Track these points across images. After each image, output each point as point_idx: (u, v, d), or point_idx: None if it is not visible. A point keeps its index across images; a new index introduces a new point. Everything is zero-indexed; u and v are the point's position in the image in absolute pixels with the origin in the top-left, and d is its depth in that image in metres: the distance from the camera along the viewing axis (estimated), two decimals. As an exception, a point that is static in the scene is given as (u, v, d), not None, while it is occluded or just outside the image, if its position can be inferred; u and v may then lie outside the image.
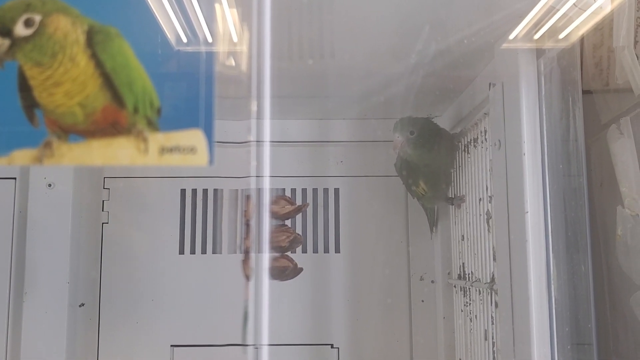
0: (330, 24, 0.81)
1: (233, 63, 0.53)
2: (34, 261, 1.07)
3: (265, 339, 0.53)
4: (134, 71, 0.40)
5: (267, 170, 0.48)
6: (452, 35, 0.83)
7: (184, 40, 0.42)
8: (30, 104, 0.41)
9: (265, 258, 0.59)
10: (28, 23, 0.40)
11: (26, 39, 0.40)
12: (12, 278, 1.07)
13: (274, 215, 0.77)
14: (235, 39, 0.47)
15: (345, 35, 0.84)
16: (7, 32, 0.40)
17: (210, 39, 0.42)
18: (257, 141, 0.46)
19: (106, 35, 0.41)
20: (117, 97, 0.40)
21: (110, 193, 1.18)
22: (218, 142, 0.41)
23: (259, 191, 0.50)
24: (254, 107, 0.43)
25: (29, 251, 1.07)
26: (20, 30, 0.40)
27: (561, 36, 0.66)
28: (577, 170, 0.69)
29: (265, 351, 0.56)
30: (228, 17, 0.53)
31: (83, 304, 1.12)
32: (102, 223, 1.17)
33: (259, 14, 0.45)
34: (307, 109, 1.18)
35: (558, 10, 0.62)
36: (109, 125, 0.40)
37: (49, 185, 1.09)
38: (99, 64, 0.40)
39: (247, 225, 0.66)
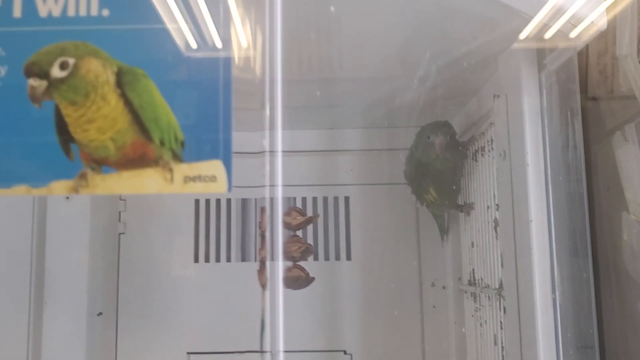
0: (339, 35, 0.83)
1: (247, 76, 0.56)
2: (53, 271, 1.10)
3: (280, 345, 0.55)
4: (160, 108, 0.44)
5: (279, 180, 0.50)
6: (457, 47, 0.86)
7: (205, 76, 0.45)
8: (66, 139, 0.45)
9: (279, 268, 0.62)
10: (63, 66, 0.44)
11: (61, 80, 0.44)
12: (32, 288, 1.10)
13: (287, 226, 0.80)
14: (251, 64, 0.50)
15: (353, 46, 0.86)
16: (44, 74, 0.44)
17: (227, 73, 0.45)
18: (270, 151, 0.49)
19: (133, 75, 0.45)
20: (144, 132, 0.45)
21: (126, 204, 1.20)
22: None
23: (272, 201, 0.52)
24: (266, 117, 0.46)
25: (49, 262, 1.10)
26: (56, 72, 0.44)
27: (559, 51, 0.68)
28: (577, 179, 0.71)
29: (280, 358, 0.58)
30: (243, 41, 0.56)
31: (101, 313, 1.14)
32: (119, 233, 1.20)
33: (270, 36, 0.48)
34: (316, 118, 1.20)
35: (551, 27, 0.64)
36: (138, 157, 0.44)
37: (67, 197, 1.11)
38: (127, 102, 0.44)
39: (262, 236, 0.69)
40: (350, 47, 0.85)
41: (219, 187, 0.43)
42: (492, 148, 0.92)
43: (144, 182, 0.43)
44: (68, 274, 1.10)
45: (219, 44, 0.47)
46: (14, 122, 0.44)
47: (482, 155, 0.98)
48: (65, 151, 0.45)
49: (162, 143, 0.44)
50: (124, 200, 1.20)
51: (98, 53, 0.45)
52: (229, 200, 1.20)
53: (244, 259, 1.19)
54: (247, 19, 0.56)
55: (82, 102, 0.44)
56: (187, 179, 0.43)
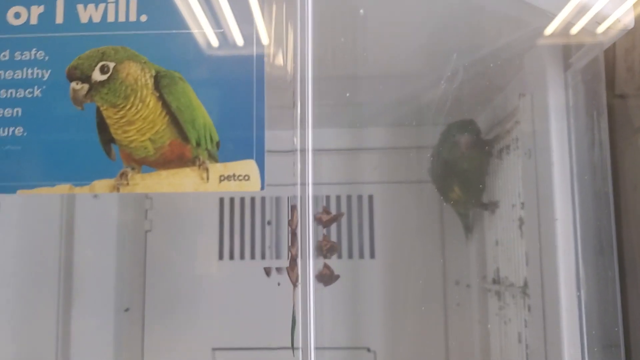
0: (366, 32, 0.84)
1: (279, 75, 0.57)
2: (82, 268, 1.13)
3: (312, 342, 0.56)
4: (196, 110, 0.46)
5: (310, 178, 0.51)
6: (483, 44, 0.86)
7: (240, 79, 0.47)
8: (107, 139, 0.48)
9: (311, 265, 0.63)
10: (103, 69, 0.46)
11: (102, 83, 0.46)
12: (61, 284, 1.12)
13: (317, 223, 0.81)
14: (281, 64, 0.52)
15: (380, 43, 0.86)
16: (86, 78, 0.47)
17: (260, 76, 0.46)
18: (300, 149, 0.50)
19: (171, 79, 0.47)
20: (182, 133, 0.47)
21: (152, 202, 1.22)
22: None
23: (302, 199, 0.53)
24: (297, 116, 0.47)
25: (77, 258, 1.12)
26: (97, 75, 0.46)
27: (585, 49, 0.68)
28: (603, 177, 0.71)
29: (307, 354, 0.59)
30: (274, 40, 0.57)
31: (128, 309, 1.16)
32: (146, 231, 1.21)
33: (302, 35, 0.49)
34: (341, 116, 1.20)
35: (575, 24, 0.64)
36: (175, 157, 0.46)
37: (95, 195, 1.14)
38: (165, 105, 0.46)
39: (293, 234, 0.70)
40: (377, 44, 0.86)
41: (253, 186, 0.44)
42: (518, 146, 0.92)
43: (182, 181, 0.45)
44: (96, 270, 1.12)
45: (251, 45, 0.49)
46: (57, 124, 0.46)
47: (507, 153, 0.98)
48: (107, 151, 0.47)
49: (198, 144, 0.46)
50: (150, 198, 1.22)
51: (137, 57, 0.47)
52: (252, 199, 1.21)
53: (268, 257, 1.20)
54: (278, 19, 0.57)
55: (122, 105, 0.46)
56: (222, 178, 0.45)
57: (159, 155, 0.46)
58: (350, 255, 1.20)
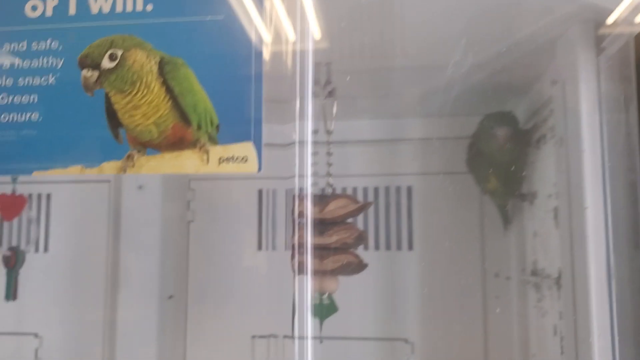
0: (400, 22, 0.83)
1: (282, 68, 0.59)
2: (128, 257, 1.17)
3: (309, 331, 0.57)
4: (197, 94, 0.48)
5: (309, 170, 0.52)
6: (517, 30, 0.85)
7: (238, 64, 0.48)
8: (115, 124, 0.51)
9: (309, 253, 0.64)
10: (112, 57, 0.49)
11: (110, 70, 0.50)
12: (108, 272, 1.17)
13: (332, 216, 0.81)
14: (282, 50, 0.53)
15: (414, 33, 0.86)
16: (96, 66, 0.50)
17: (259, 62, 0.48)
18: (299, 142, 0.51)
19: (174, 65, 0.49)
20: (184, 117, 0.49)
21: (195, 194, 1.25)
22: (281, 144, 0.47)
23: (301, 190, 0.54)
24: (296, 108, 0.48)
25: (123, 248, 1.17)
26: (106, 63, 0.49)
27: (616, 35, 0.67)
28: (634, 166, 0.69)
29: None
30: (274, 30, 0.58)
31: (172, 296, 1.19)
32: (188, 221, 1.25)
33: (301, 25, 0.50)
34: (378, 107, 1.20)
35: (613, 11, 0.63)
36: (178, 140, 0.48)
37: (140, 187, 1.18)
38: (168, 90, 0.49)
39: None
40: (411, 34, 0.86)
41: (250, 167, 0.46)
42: (554, 135, 0.90)
43: (184, 162, 0.47)
44: (141, 259, 1.16)
45: (251, 33, 0.50)
46: (69, 109, 0.50)
47: (544, 143, 0.96)
48: (115, 135, 0.50)
49: (199, 127, 0.48)
50: (193, 190, 1.25)
51: (143, 45, 0.50)
52: (288, 191, 1.23)
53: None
54: (279, 7, 0.58)
55: (129, 90, 0.49)
56: (222, 160, 0.47)
57: (163, 138, 0.48)
58: (387, 247, 1.20)
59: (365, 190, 1.23)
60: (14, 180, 0.97)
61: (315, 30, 0.49)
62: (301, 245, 0.60)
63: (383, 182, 1.22)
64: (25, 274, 1.03)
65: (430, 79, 1.06)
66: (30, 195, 1.21)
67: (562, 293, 0.85)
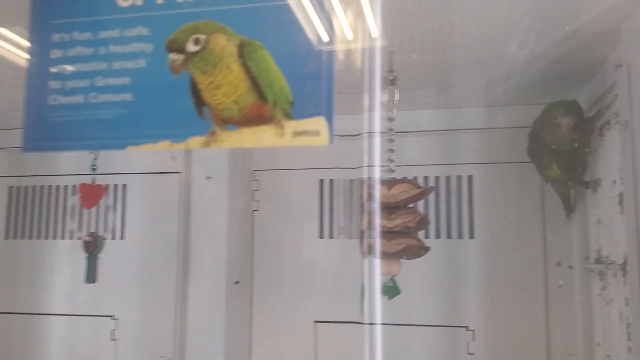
0: (460, 13, 0.84)
1: (352, 61, 0.62)
2: (197, 244, 1.22)
3: (378, 315, 0.60)
4: (273, 74, 0.53)
5: (377, 160, 0.54)
6: (581, 16, 0.84)
7: (311, 44, 0.52)
8: (199, 102, 0.56)
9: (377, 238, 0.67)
10: (196, 41, 0.54)
11: (195, 53, 0.55)
12: (179, 259, 1.23)
13: (395, 200, 0.83)
14: (350, 37, 0.57)
15: (474, 23, 0.87)
16: (182, 49, 0.55)
17: (329, 42, 0.51)
18: (368, 133, 0.54)
19: (252, 47, 0.54)
20: (261, 95, 0.53)
21: (259, 184, 1.30)
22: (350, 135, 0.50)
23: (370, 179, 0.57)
24: (365, 100, 0.51)
25: (193, 236, 1.23)
26: (190, 47, 0.54)
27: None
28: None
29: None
30: (342, 18, 0.61)
31: (238, 282, 1.24)
32: (253, 211, 1.29)
33: (373, 14, 0.53)
34: (438, 98, 1.21)
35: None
36: (256, 116, 0.53)
37: (208, 177, 1.23)
38: (247, 70, 0.53)
39: (363, 208, 0.74)
40: (471, 24, 0.87)
41: (322, 140, 0.50)
42: (618, 121, 0.89)
43: (261, 137, 0.51)
44: (210, 246, 1.22)
45: (323, 18, 0.54)
46: (158, 90, 0.55)
47: (608, 129, 0.95)
48: (199, 112, 0.55)
49: (275, 104, 0.52)
50: (257, 180, 1.30)
51: (224, 29, 0.54)
52: (351, 181, 1.26)
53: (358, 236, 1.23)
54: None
55: (211, 72, 0.53)
56: (296, 134, 0.50)
57: (242, 115, 0.53)
58: (449, 236, 1.21)
59: (426, 179, 1.24)
60: (94, 171, 1.03)
61: (379, 22, 0.52)
62: (368, 228, 0.63)
63: (444, 172, 1.23)
64: (103, 259, 1.09)
65: (490, 69, 1.06)
66: (107, 186, 1.28)
67: (628, 279, 0.84)
